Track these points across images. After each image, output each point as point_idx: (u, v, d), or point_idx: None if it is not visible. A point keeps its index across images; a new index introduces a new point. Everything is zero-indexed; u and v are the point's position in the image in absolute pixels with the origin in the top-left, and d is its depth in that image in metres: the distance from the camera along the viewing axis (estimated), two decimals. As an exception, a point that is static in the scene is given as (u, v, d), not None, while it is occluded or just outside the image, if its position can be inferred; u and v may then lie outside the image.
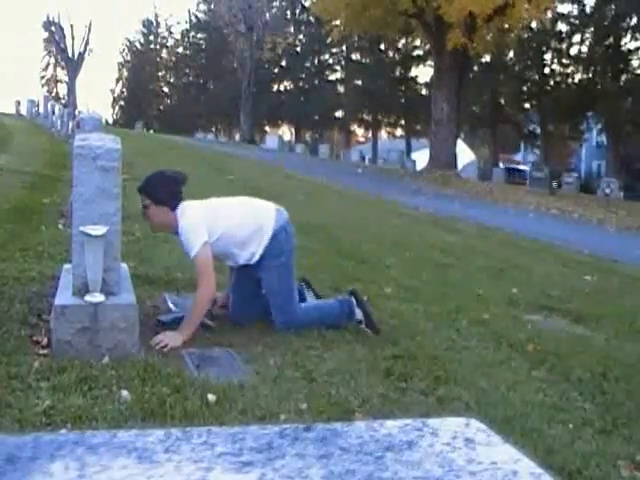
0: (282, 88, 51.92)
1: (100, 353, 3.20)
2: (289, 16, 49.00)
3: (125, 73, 59.94)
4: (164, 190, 3.80)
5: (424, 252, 7.31)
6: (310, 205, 10.56)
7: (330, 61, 50.54)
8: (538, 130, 39.39)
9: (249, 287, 4.06)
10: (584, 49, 36.32)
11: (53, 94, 54.82)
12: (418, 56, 42.84)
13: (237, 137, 47.89)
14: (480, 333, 4.34)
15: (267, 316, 3.99)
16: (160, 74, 59.21)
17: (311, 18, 43.40)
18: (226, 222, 3.85)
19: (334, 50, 48.51)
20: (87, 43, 44.62)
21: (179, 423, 2.62)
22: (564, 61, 37.10)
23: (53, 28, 46.91)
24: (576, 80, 36.63)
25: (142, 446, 0.51)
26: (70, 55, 45.09)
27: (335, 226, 8.33)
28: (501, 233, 10.63)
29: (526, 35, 32.65)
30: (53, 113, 22.78)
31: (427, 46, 33.36)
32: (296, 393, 3.07)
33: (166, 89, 59.76)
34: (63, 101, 42.92)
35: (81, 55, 44.76)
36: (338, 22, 27.05)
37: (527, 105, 39.67)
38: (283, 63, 50.94)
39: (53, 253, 5.16)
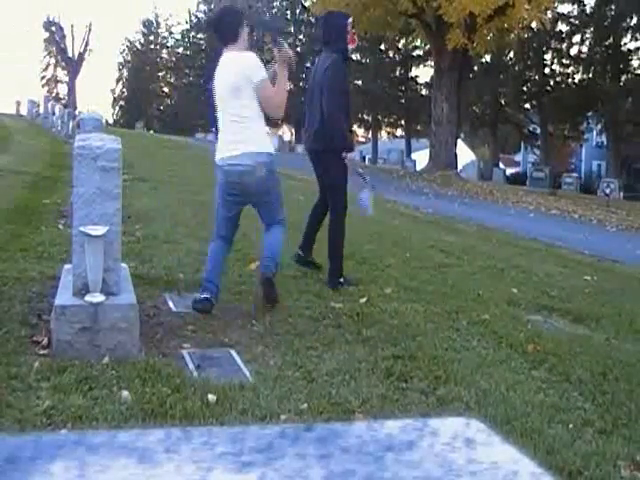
0: (282, 88, 51.85)
1: (100, 353, 3.20)
2: (289, 16, 48.97)
3: (125, 73, 59.91)
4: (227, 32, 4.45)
5: (424, 252, 7.30)
6: (310, 205, 10.53)
7: (330, 61, 50.48)
8: (538, 130, 39.38)
9: None
10: (584, 49, 36.34)
11: (53, 94, 54.75)
12: (418, 56, 42.78)
13: (237, 137, 47.70)
14: (480, 333, 4.34)
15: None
16: (160, 74, 59.19)
17: (311, 18, 43.34)
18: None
19: (334, 50, 48.44)
20: (87, 43, 44.75)
21: (179, 423, 2.62)
22: (564, 61, 37.09)
23: (53, 28, 46.99)
24: (576, 80, 36.64)
25: (142, 446, 0.51)
26: (70, 55, 45.17)
27: (335, 226, 8.31)
28: (501, 233, 10.62)
29: (526, 35, 32.59)
30: (53, 113, 22.81)
31: (427, 46, 33.29)
32: (296, 393, 3.07)
33: (166, 89, 59.72)
34: (63, 101, 42.95)
35: (81, 55, 44.87)
36: (338, 22, 27.01)
37: (527, 105, 39.65)
38: (283, 63, 50.88)
39: (53, 253, 5.17)
